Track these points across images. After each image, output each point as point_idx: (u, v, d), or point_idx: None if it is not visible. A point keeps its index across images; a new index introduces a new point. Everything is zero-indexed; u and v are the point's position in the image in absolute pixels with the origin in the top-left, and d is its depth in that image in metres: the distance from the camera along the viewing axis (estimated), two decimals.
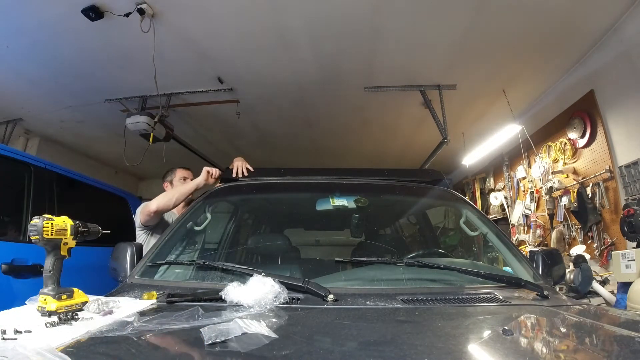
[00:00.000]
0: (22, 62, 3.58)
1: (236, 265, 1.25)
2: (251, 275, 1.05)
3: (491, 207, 5.67)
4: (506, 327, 0.80)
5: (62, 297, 0.90)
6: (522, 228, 4.81)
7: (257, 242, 2.11)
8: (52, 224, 0.93)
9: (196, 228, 1.68)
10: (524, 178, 4.82)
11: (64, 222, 0.98)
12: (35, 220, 0.92)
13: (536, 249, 3.76)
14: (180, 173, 2.60)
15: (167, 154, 4.63)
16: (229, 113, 4.57)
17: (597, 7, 2.84)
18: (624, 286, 2.43)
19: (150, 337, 0.73)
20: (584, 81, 3.54)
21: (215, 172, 2.16)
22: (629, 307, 2.16)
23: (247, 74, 3.85)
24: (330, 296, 1.03)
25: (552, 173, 4.09)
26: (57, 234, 0.95)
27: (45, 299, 0.87)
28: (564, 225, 3.92)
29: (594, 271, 3.08)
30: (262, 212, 2.48)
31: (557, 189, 3.95)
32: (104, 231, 1.10)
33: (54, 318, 0.82)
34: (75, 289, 0.95)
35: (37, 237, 0.91)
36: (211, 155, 5.83)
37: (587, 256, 3.34)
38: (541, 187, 4.24)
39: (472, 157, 5.27)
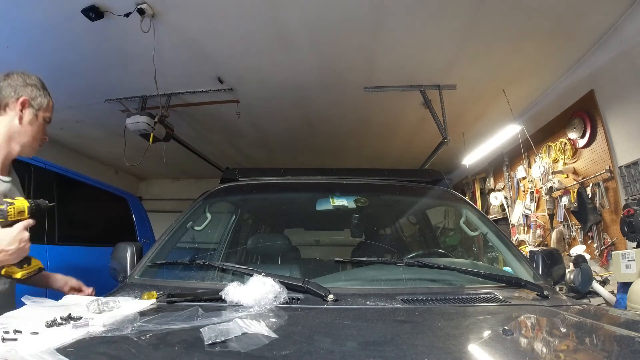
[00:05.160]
0: (22, 62, 3.57)
1: (236, 265, 1.25)
2: (251, 275, 1.05)
3: (491, 207, 5.67)
4: (506, 327, 0.80)
5: (24, 265, 1.11)
6: (522, 228, 4.81)
7: (257, 242, 2.11)
8: (13, 207, 1.08)
9: (196, 228, 1.68)
10: (524, 178, 4.82)
11: (22, 204, 1.11)
12: (0, 206, 1.07)
13: (536, 249, 3.77)
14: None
15: (167, 154, 4.63)
16: (229, 113, 4.57)
17: (597, 7, 2.84)
18: (624, 286, 2.44)
19: (150, 337, 0.73)
20: (584, 81, 3.54)
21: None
22: (629, 307, 2.16)
23: (247, 74, 3.86)
24: (330, 296, 1.03)
25: (552, 173, 4.09)
26: (18, 215, 1.09)
27: (11, 269, 1.09)
28: (564, 225, 3.92)
29: (594, 271, 3.08)
30: (262, 212, 2.48)
31: (557, 189, 3.95)
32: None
33: (55, 318, 0.82)
34: (32, 257, 1.15)
35: (2, 219, 1.06)
36: (211, 155, 5.84)
37: (587, 256, 3.34)
38: (541, 187, 4.24)
39: (472, 157, 5.27)
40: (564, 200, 3.86)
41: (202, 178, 7.94)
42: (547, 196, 4.06)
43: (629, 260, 2.49)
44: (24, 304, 0.93)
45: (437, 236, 2.58)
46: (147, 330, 0.76)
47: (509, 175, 5.32)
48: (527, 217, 4.70)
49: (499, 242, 1.61)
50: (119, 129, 4.34)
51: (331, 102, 4.45)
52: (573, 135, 3.71)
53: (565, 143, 3.88)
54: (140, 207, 3.77)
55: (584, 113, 3.55)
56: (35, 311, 0.88)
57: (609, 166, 3.28)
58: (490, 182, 5.92)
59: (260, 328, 0.75)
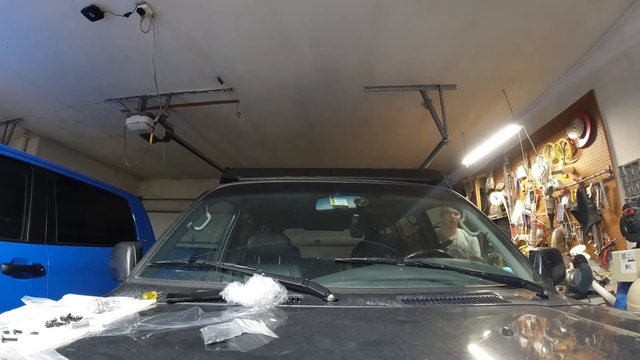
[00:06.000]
0: (22, 62, 3.58)
1: (236, 265, 1.25)
2: (251, 275, 1.05)
3: (491, 207, 5.67)
4: (506, 327, 0.80)
5: None
6: (522, 228, 4.81)
7: (257, 242, 2.11)
8: None
9: (196, 228, 1.67)
10: (524, 178, 4.82)
11: None
12: None
13: (536, 249, 3.76)
14: None
15: (167, 154, 4.63)
16: (229, 113, 4.57)
17: (597, 7, 2.84)
18: (624, 286, 2.43)
19: (150, 337, 0.73)
20: (584, 81, 3.54)
21: None
22: (629, 307, 2.16)
23: (247, 74, 3.86)
24: (330, 296, 1.03)
25: (552, 173, 4.09)
26: None
27: None
28: (564, 225, 3.92)
29: (594, 271, 3.08)
30: (262, 212, 2.48)
31: (557, 189, 3.94)
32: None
33: (55, 318, 0.82)
34: None
35: None
36: (211, 155, 5.84)
37: (587, 256, 3.34)
38: (541, 187, 4.24)
39: (472, 157, 5.27)
40: (564, 200, 3.86)
41: (202, 178, 7.94)
42: (547, 196, 4.06)
43: (629, 260, 2.48)
44: (23, 304, 0.93)
45: (437, 236, 2.57)
46: (147, 330, 0.76)
47: (509, 175, 5.32)
48: (527, 217, 4.70)
49: (499, 242, 1.60)
50: (119, 129, 4.34)
51: (331, 102, 4.45)
52: (573, 135, 3.71)
53: (565, 143, 3.88)
54: (140, 207, 3.77)
55: (584, 113, 3.55)
56: (35, 311, 0.88)
57: (609, 166, 3.27)
58: (490, 182, 5.92)
59: (260, 328, 0.75)
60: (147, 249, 1.48)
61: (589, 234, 3.54)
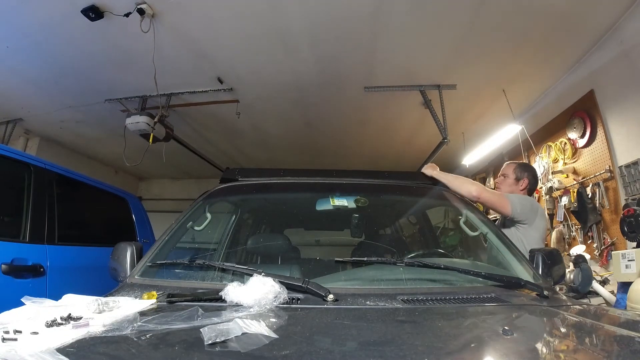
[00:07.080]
0: (22, 62, 3.58)
1: (236, 265, 1.25)
2: (251, 275, 1.05)
3: None
4: (506, 327, 0.80)
5: None
6: None
7: (257, 242, 2.11)
8: None
9: (196, 228, 1.67)
10: None
11: None
12: None
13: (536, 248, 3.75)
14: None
15: (167, 154, 4.63)
16: (229, 113, 4.57)
17: (597, 7, 2.84)
18: (624, 286, 2.43)
19: (150, 337, 0.74)
20: (584, 81, 3.54)
21: None
22: (629, 307, 2.16)
23: (247, 74, 3.86)
24: (330, 296, 1.03)
25: (552, 173, 4.09)
26: None
27: None
28: (564, 225, 3.92)
29: (594, 271, 3.08)
30: (262, 212, 2.48)
31: (557, 189, 3.94)
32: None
33: (55, 318, 0.82)
34: None
35: None
36: (211, 155, 5.84)
37: (587, 256, 3.34)
38: (541, 187, 4.24)
39: (472, 157, 5.27)
40: (564, 200, 3.86)
41: (202, 178, 7.94)
42: (547, 196, 4.06)
43: (629, 260, 2.48)
44: (23, 304, 0.93)
45: (437, 236, 2.58)
46: (147, 330, 0.76)
47: None
48: None
49: (499, 242, 1.61)
50: (119, 129, 4.34)
51: (331, 102, 4.45)
52: (573, 135, 3.71)
53: (565, 143, 3.88)
54: (140, 207, 3.77)
55: (584, 113, 3.55)
56: (35, 311, 0.88)
57: (609, 166, 3.27)
58: (490, 182, 5.91)
59: (260, 328, 0.75)
60: (147, 249, 1.48)
61: (589, 234, 3.54)
